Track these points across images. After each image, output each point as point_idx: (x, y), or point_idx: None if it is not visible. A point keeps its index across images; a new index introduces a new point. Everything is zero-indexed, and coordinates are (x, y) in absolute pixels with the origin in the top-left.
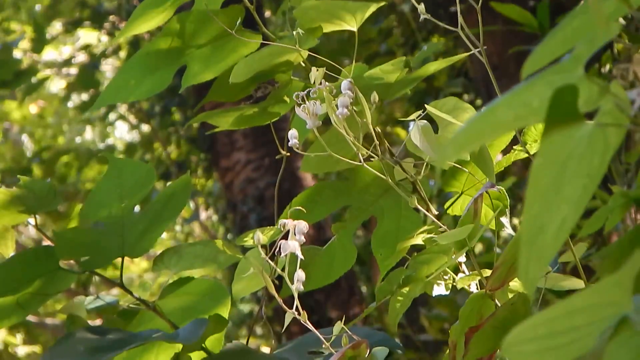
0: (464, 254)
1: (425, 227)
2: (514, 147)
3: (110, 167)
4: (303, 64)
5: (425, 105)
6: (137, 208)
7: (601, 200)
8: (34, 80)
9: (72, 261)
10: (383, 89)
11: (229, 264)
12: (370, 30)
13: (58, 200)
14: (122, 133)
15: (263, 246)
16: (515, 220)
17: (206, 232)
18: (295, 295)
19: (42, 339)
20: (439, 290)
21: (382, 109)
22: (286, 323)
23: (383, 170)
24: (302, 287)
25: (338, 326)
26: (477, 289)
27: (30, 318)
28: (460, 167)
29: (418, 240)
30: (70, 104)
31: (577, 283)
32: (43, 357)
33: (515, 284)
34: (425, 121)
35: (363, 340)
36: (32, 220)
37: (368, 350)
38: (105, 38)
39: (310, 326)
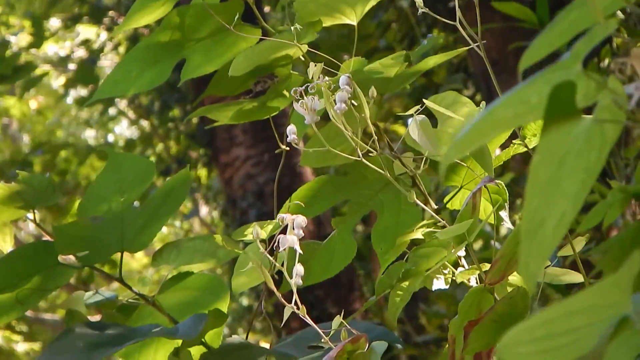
0: (464, 248)
1: (425, 222)
2: (513, 141)
3: (110, 162)
4: (302, 58)
5: (424, 100)
6: (136, 203)
7: (600, 195)
8: (32, 75)
9: (71, 256)
10: (382, 83)
11: (228, 259)
12: (369, 26)
13: (57, 195)
14: (122, 129)
15: (262, 241)
16: (515, 216)
17: (206, 228)
18: (294, 290)
19: (42, 337)
20: (439, 284)
21: (381, 105)
22: (285, 317)
23: (382, 165)
24: (301, 282)
25: (337, 320)
26: (477, 283)
27: (30, 314)
28: (459, 161)
29: (418, 234)
30: (69, 100)
31: (576, 277)
32: (43, 353)
33: (514, 277)
34: (423, 116)
35: (362, 334)
36: (30, 216)
37: (367, 345)
38: (104, 34)
39: (309, 320)
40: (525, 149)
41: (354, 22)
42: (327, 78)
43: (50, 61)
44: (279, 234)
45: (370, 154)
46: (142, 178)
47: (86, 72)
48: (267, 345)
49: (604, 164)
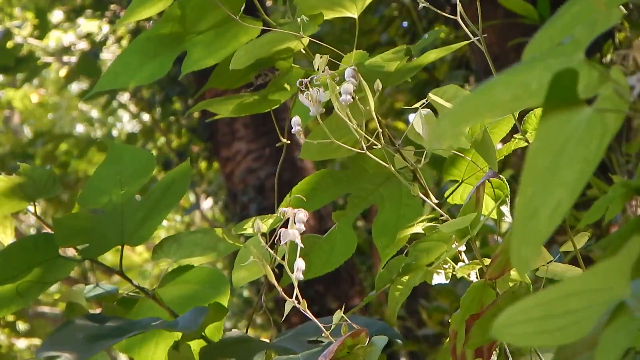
0: (464, 243)
1: (425, 216)
2: (514, 135)
3: (110, 153)
4: (304, 51)
5: (429, 94)
6: (137, 197)
7: (599, 191)
8: (34, 67)
9: (71, 249)
10: (383, 77)
11: (228, 252)
12: (371, 20)
13: (57, 188)
14: (123, 124)
15: (263, 235)
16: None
17: (207, 222)
18: (295, 284)
19: (43, 332)
20: (439, 279)
21: (383, 100)
22: (286, 312)
23: (385, 158)
24: (301, 276)
25: (337, 315)
26: (477, 278)
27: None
28: (460, 154)
29: (418, 228)
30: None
31: (577, 273)
32: (43, 344)
33: (515, 272)
34: (428, 110)
35: (362, 329)
36: (31, 208)
37: (367, 339)
38: (106, 27)
39: (309, 315)
40: (527, 144)
41: (355, 15)
42: (331, 72)
43: (52, 53)
44: (280, 227)
45: (375, 147)
46: (143, 170)
47: (88, 64)
48: (267, 340)
49: (603, 155)
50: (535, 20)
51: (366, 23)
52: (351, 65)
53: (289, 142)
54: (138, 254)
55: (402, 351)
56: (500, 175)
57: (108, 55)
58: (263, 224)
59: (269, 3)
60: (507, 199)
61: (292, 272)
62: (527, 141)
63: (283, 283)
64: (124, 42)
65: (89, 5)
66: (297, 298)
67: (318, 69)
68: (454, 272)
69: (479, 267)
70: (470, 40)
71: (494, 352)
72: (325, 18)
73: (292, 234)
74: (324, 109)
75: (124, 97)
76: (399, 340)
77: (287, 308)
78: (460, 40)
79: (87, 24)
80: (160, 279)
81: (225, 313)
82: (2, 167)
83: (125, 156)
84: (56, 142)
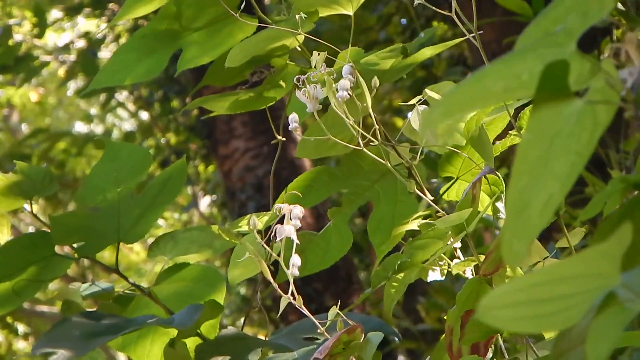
0: (459, 240)
1: (421, 213)
2: (510, 132)
3: (107, 151)
4: (299, 48)
5: (426, 90)
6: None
7: (596, 188)
8: (33, 66)
9: (68, 248)
10: (379, 74)
11: (224, 250)
12: (369, 18)
13: (54, 185)
14: (122, 122)
15: (259, 231)
16: None
17: (205, 220)
18: (291, 280)
19: (42, 330)
20: (435, 275)
21: (380, 98)
22: (282, 308)
23: (382, 155)
24: (297, 272)
25: (333, 311)
26: (473, 274)
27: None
28: (456, 150)
29: (413, 225)
30: (69, 93)
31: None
32: (39, 341)
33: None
34: (425, 106)
35: (358, 325)
36: (28, 206)
37: (363, 336)
38: (104, 25)
39: (305, 311)
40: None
41: (350, 13)
42: (328, 69)
43: (51, 52)
44: (276, 224)
45: (372, 143)
46: (139, 168)
47: (87, 63)
48: (263, 338)
49: (595, 147)
50: (530, 17)
51: (364, 21)
52: (348, 62)
53: (284, 139)
54: (136, 253)
55: (400, 349)
56: (497, 172)
57: (106, 53)
58: (259, 221)
59: (266, 1)
60: (502, 195)
61: (288, 268)
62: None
63: (279, 280)
64: (122, 41)
65: (87, 3)
66: (292, 294)
67: (315, 66)
68: (450, 269)
69: (474, 263)
70: (466, 37)
71: (491, 347)
72: (321, 15)
73: (288, 230)
74: (320, 106)
75: (122, 95)
76: (396, 339)
77: (283, 304)
78: (457, 37)
79: (85, 23)
80: (156, 277)
81: (221, 310)
82: (0, 168)
83: (122, 154)
84: (53, 140)
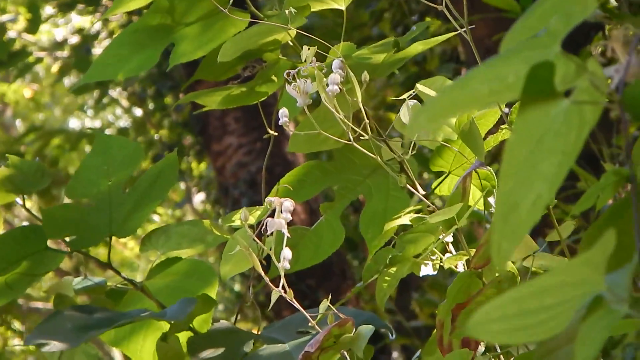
0: (451, 234)
1: (412, 207)
2: (501, 126)
3: (97, 144)
4: (291, 43)
5: (417, 85)
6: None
7: (588, 184)
8: (27, 62)
9: (61, 243)
10: (371, 68)
11: (216, 244)
12: (363, 14)
13: (47, 180)
14: (116, 118)
15: (251, 226)
16: None
17: (198, 216)
18: (282, 274)
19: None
20: (427, 270)
21: (373, 94)
22: (272, 301)
23: (372, 149)
24: (288, 266)
25: (324, 305)
26: (465, 269)
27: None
28: (447, 145)
29: (405, 220)
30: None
31: (564, 264)
32: (32, 333)
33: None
34: (415, 101)
35: (348, 318)
36: (20, 200)
37: (354, 329)
38: (98, 21)
39: (296, 304)
40: None
41: (342, 7)
42: (318, 63)
43: (44, 48)
44: (267, 217)
45: (362, 138)
46: (130, 161)
47: (80, 59)
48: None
49: (582, 146)
50: (517, 14)
51: (358, 17)
52: (339, 57)
53: (276, 134)
54: (130, 250)
55: (394, 345)
56: (488, 167)
57: (100, 50)
58: (251, 215)
59: None
60: (494, 190)
61: (279, 262)
62: None
63: (271, 274)
64: None
65: (80, 0)
66: (284, 288)
67: (305, 60)
68: (442, 264)
69: (466, 258)
70: (457, 32)
71: (483, 342)
72: (313, 10)
73: (279, 223)
74: (311, 100)
75: (116, 92)
76: (390, 336)
77: (274, 298)
78: (451, 32)
79: (79, 19)
80: (148, 271)
81: (214, 305)
82: None
83: (113, 147)
84: (47, 138)
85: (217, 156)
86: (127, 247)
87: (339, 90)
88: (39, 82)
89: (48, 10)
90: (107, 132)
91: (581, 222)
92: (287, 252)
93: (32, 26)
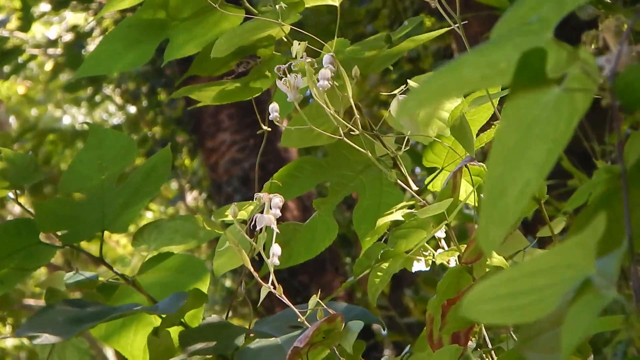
0: (444, 230)
1: (404, 203)
2: (493, 123)
3: (91, 137)
4: (285, 39)
5: (408, 81)
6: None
7: (580, 182)
8: (20, 60)
9: (54, 237)
10: (364, 64)
11: (208, 240)
12: (358, 12)
13: (40, 174)
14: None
15: (243, 222)
16: None
17: (191, 213)
18: (271, 270)
19: None
20: (419, 266)
21: (362, 87)
22: (262, 297)
23: (364, 145)
24: (278, 262)
25: (313, 300)
26: (457, 264)
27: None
28: (438, 140)
29: (398, 215)
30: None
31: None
32: (23, 327)
33: (493, 258)
34: (405, 95)
35: (338, 313)
36: (12, 195)
37: (343, 324)
38: (92, 19)
39: (285, 300)
40: None
41: (336, 4)
42: (310, 58)
43: (38, 46)
44: (257, 213)
45: (352, 133)
46: (124, 155)
47: (74, 57)
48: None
49: (572, 135)
50: None
51: (353, 14)
52: (329, 52)
53: (269, 129)
54: (122, 247)
55: (387, 342)
56: (479, 162)
57: (93, 47)
58: (243, 211)
59: None
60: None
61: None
62: None
63: (262, 272)
64: None
65: None
66: (273, 284)
67: (296, 56)
68: (434, 259)
69: (458, 253)
70: (450, 28)
71: (474, 338)
72: (307, 6)
73: (268, 219)
74: (302, 96)
75: (109, 89)
76: (382, 331)
77: (263, 294)
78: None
79: (73, 16)
80: (140, 266)
81: (205, 300)
82: None
83: (107, 141)
84: (41, 137)
85: (211, 153)
86: (119, 245)
87: (329, 85)
88: (33, 79)
89: (43, 7)
90: None
91: (571, 219)
92: (276, 248)
93: (25, 24)
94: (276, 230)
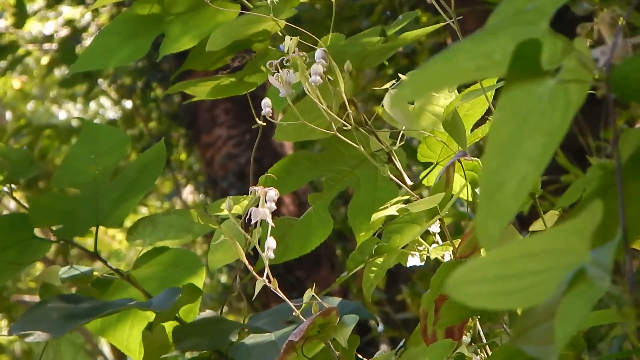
0: (438, 225)
1: (399, 198)
2: (488, 118)
3: (84, 132)
4: (280, 34)
5: (399, 75)
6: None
7: (575, 177)
8: (16, 55)
9: (49, 232)
10: (359, 59)
11: (203, 234)
12: (354, 7)
13: (35, 168)
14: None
15: (238, 216)
16: None
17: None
18: (266, 263)
19: None
20: (414, 261)
21: (358, 82)
22: (256, 291)
23: (357, 140)
24: (273, 255)
25: (308, 294)
26: (451, 259)
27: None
28: (431, 135)
29: (392, 210)
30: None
31: None
32: (16, 323)
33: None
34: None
35: (333, 307)
36: (7, 189)
37: (338, 318)
38: (88, 14)
39: (280, 293)
40: None
41: None
42: (303, 53)
43: (34, 41)
44: (251, 207)
45: (345, 128)
46: (117, 150)
47: (69, 52)
48: None
49: (567, 128)
50: None
51: (348, 10)
52: (322, 47)
53: (264, 124)
54: (118, 242)
55: (383, 337)
56: (473, 157)
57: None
58: (238, 205)
59: None
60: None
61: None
62: None
63: (258, 266)
64: None
65: None
66: (268, 277)
67: (288, 51)
68: (428, 254)
69: (452, 249)
70: (446, 22)
71: (468, 333)
72: (302, 0)
73: (263, 212)
74: (294, 91)
75: (104, 84)
76: (379, 328)
77: (258, 287)
78: (441, 27)
79: (68, 11)
80: (135, 261)
81: (200, 295)
82: None
83: (100, 135)
84: (37, 134)
85: (207, 148)
86: (115, 239)
87: (321, 80)
88: (29, 74)
89: (38, 2)
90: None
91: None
92: (271, 242)
93: (19, 20)
94: (271, 223)
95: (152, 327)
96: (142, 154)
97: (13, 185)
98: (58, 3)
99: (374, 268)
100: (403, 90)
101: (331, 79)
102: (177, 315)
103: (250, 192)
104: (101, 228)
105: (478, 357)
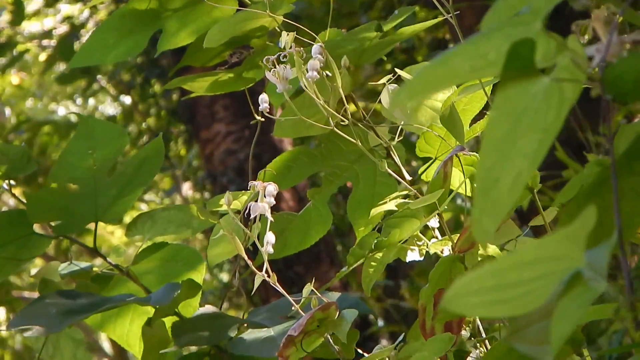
0: (437, 220)
1: (398, 193)
2: (487, 112)
3: (81, 127)
4: (278, 30)
5: (395, 69)
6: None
7: (575, 172)
8: (14, 52)
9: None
10: (357, 54)
11: (202, 229)
12: (353, 4)
13: (33, 165)
14: (104, 107)
15: (238, 212)
16: None
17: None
18: (265, 258)
19: None
20: (413, 256)
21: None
22: (255, 285)
23: (354, 135)
24: (272, 250)
25: (307, 289)
26: (450, 254)
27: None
28: (430, 130)
29: (391, 205)
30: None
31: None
32: (15, 318)
33: (485, 247)
34: (395, 85)
35: (332, 302)
36: (6, 185)
37: (337, 313)
38: (86, 10)
39: (279, 288)
40: None
41: None
42: (300, 48)
43: (33, 37)
44: (250, 202)
45: (342, 124)
46: (115, 145)
47: (68, 48)
48: None
49: (562, 125)
50: None
51: (347, 5)
52: (318, 42)
53: (263, 119)
54: (117, 238)
55: (383, 332)
56: (471, 152)
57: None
58: (237, 200)
59: None
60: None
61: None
62: None
63: (257, 261)
64: None
65: None
66: (267, 272)
67: (285, 47)
68: (427, 249)
69: (451, 243)
70: (444, 18)
71: (468, 327)
72: None
73: (262, 207)
74: (291, 87)
75: (104, 80)
76: (380, 323)
77: (257, 282)
78: (439, 23)
79: (67, 8)
80: (134, 256)
81: (199, 290)
82: None
83: (97, 131)
84: (35, 130)
85: (206, 144)
86: (114, 235)
87: (318, 76)
88: (27, 70)
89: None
90: None
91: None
92: (270, 236)
93: (17, 18)
94: (270, 218)
95: (151, 322)
96: (140, 150)
97: (12, 182)
98: (56, 1)
99: (373, 263)
100: (400, 94)
101: (329, 74)
102: (176, 310)
103: (250, 186)
104: (100, 224)
105: (477, 351)
